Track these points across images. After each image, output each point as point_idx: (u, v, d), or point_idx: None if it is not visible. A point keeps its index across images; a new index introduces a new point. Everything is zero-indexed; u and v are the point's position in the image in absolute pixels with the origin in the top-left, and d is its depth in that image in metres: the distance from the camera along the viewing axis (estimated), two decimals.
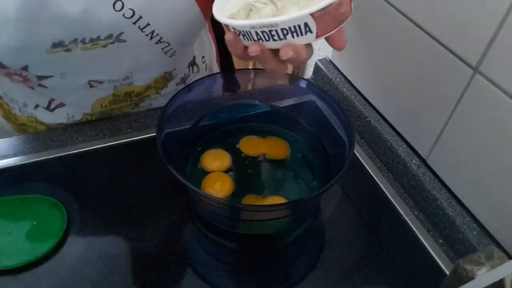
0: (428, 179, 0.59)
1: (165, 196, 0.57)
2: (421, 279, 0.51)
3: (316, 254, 0.53)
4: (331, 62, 0.79)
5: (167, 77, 0.65)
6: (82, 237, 0.51)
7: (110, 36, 0.51)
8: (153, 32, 0.53)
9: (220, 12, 0.40)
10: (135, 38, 0.52)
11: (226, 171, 0.58)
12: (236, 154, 0.60)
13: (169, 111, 0.54)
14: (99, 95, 0.61)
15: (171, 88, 0.68)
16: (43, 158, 0.59)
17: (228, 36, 0.40)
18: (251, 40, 0.38)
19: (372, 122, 0.67)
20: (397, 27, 0.59)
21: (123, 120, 0.66)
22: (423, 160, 0.61)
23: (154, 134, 0.50)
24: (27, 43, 0.48)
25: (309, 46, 0.38)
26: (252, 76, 0.65)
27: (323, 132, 0.60)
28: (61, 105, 0.62)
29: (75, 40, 0.49)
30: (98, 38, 0.50)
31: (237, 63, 0.87)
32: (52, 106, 0.62)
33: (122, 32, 0.51)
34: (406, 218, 0.57)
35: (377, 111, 0.69)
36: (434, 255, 0.53)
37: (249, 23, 0.36)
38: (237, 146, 0.61)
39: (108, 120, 0.66)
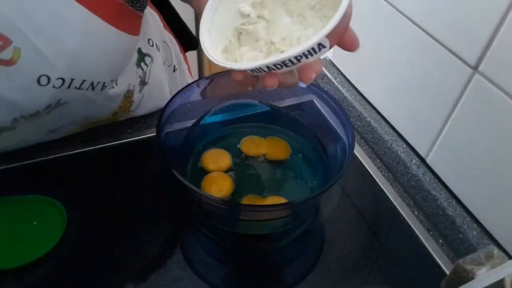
0: (428, 179, 0.59)
1: (165, 196, 0.57)
2: (421, 279, 0.51)
3: (316, 254, 0.53)
4: (331, 62, 0.79)
5: (128, 96, 0.61)
6: (82, 237, 0.51)
7: (49, 106, 0.47)
8: (92, 83, 0.49)
9: (213, 50, 0.36)
10: (76, 97, 0.49)
11: (226, 171, 0.58)
12: (236, 154, 0.60)
13: (169, 111, 0.54)
14: (66, 130, 0.60)
15: (137, 99, 0.63)
16: (43, 158, 0.59)
17: (237, 77, 0.37)
18: (261, 72, 0.35)
19: (372, 122, 0.67)
20: (397, 27, 0.59)
21: (123, 120, 0.66)
22: (423, 160, 0.61)
23: (154, 134, 0.50)
24: None
25: None
26: None
27: (323, 132, 0.60)
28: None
29: (14, 120, 0.47)
30: (37, 113, 0.47)
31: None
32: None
33: (60, 99, 0.48)
34: (406, 218, 0.57)
35: (377, 111, 0.69)
36: (434, 255, 0.53)
37: (260, 63, 0.33)
38: (238, 146, 0.61)
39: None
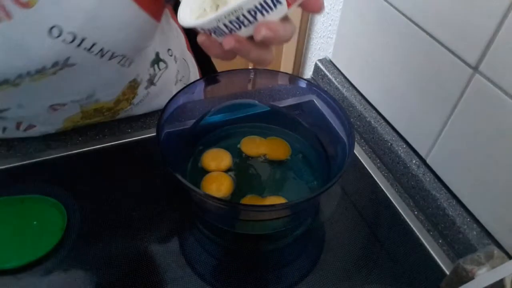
0: (428, 179, 0.59)
1: (165, 196, 0.57)
2: (421, 279, 0.51)
3: (316, 254, 0.53)
4: (331, 62, 0.79)
5: (133, 85, 0.61)
6: (82, 237, 0.51)
7: (56, 63, 0.46)
8: (102, 49, 0.48)
9: (186, 18, 0.37)
10: (84, 60, 0.48)
11: (227, 171, 0.58)
12: (237, 154, 0.60)
13: (169, 111, 0.54)
14: (67, 114, 0.58)
15: (142, 94, 0.63)
16: (43, 158, 0.59)
17: (200, 39, 0.37)
18: (223, 34, 0.35)
19: (372, 122, 0.67)
20: (397, 27, 0.59)
21: (123, 120, 0.66)
22: (423, 160, 0.61)
23: (154, 134, 0.50)
24: None
25: (286, 21, 0.35)
26: (252, 76, 0.65)
27: (323, 132, 0.60)
28: (31, 126, 0.59)
29: (20, 76, 0.46)
30: (44, 68, 0.47)
31: (237, 62, 0.88)
32: (22, 128, 0.59)
33: (68, 57, 0.47)
34: (406, 218, 0.57)
35: (377, 111, 0.69)
36: (434, 255, 0.53)
37: (212, 17, 0.33)
38: (238, 146, 0.61)
39: (108, 120, 0.66)
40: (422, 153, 0.61)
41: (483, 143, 0.51)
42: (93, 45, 0.47)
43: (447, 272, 0.51)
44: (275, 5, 0.32)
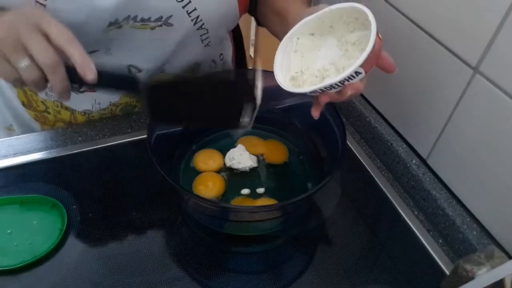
0: (428, 179, 0.59)
1: (165, 196, 0.57)
2: (421, 279, 0.51)
3: (316, 254, 0.53)
4: None
5: (194, 68, 0.66)
6: (82, 237, 0.51)
7: (160, 18, 0.53)
8: (198, 17, 0.55)
9: (283, 79, 0.48)
10: (181, 23, 0.55)
11: (219, 171, 0.57)
12: None
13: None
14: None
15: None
16: (43, 158, 0.59)
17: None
18: (317, 93, 0.46)
19: (372, 122, 0.67)
20: (397, 27, 0.59)
21: (123, 120, 0.66)
22: (423, 160, 0.61)
23: None
24: (88, 23, 0.49)
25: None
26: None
27: (317, 133, 0.60)
28: (92, 90, 0.61)
29: (127, 17, 0.51)
30: (149, 19, 0.52)
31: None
32: (83, 88, 0.61)
33: (171, 16, 0.53)
34: (406, 218, 0.57)
35: (377, 111, 0.69)
36: (434, 255, 0.53)
37: (316, 87, 0.44)
38: (235, 145, 0.61)
39: (108, 120, 0.66)
40: (422, 153, 0.61)
41: (483, 143, 0.51)
42: (194, 10, 0.54)
43: (447, 272, 0.51)
44: (357, 75, 0.43)
